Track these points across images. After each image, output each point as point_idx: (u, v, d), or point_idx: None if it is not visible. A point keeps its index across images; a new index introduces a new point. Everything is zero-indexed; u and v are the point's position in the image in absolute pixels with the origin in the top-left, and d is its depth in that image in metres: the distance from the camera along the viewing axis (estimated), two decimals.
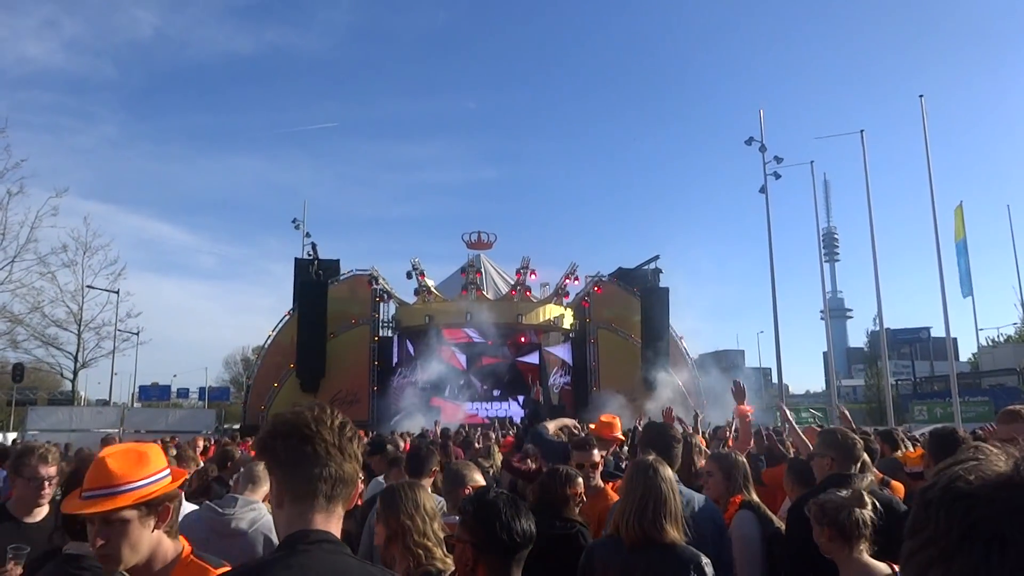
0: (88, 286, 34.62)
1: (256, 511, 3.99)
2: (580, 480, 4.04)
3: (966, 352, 52.56)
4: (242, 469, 4.51)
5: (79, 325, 34.62)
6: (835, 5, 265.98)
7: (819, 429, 7.11)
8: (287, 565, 1.47)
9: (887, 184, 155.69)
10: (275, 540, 4.08)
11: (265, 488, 4.08)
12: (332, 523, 1.61)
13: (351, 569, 1.55)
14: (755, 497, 4.31)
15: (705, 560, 3.05)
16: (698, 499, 3.92)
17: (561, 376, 33.39)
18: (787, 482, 4.93)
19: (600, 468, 4.79)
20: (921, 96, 25.89)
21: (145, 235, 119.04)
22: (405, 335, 32.24)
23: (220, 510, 3.94)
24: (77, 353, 34.82)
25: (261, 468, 4.05)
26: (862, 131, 27.53)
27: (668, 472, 3.25)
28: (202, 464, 7.48)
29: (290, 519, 1.59)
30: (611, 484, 5.29)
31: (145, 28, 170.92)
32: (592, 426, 6.77)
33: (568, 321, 33.29)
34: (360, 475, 1.68)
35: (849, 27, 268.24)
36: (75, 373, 35.33)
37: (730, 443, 8.09)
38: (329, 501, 1.60)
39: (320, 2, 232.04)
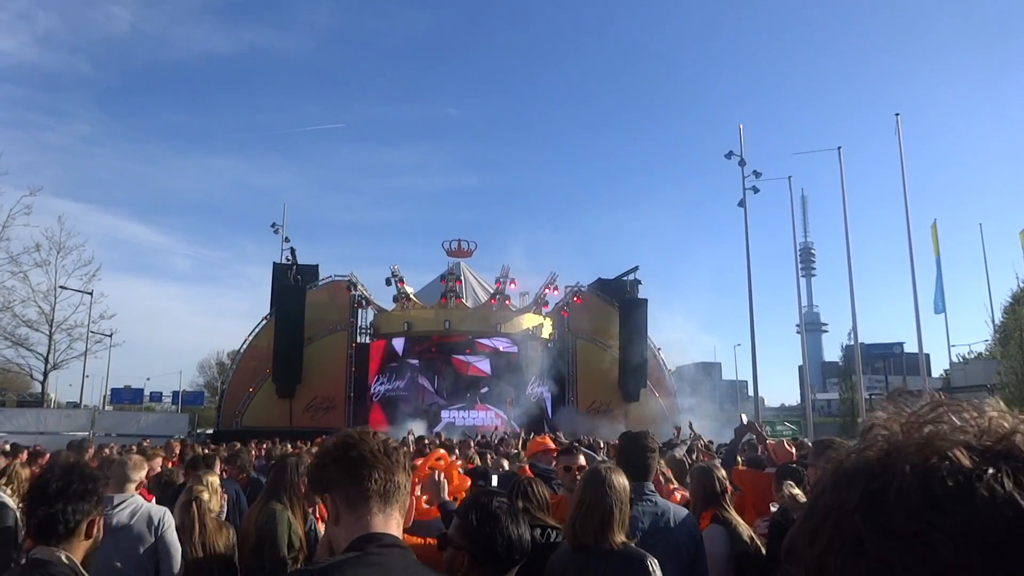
0: (61, 286, 34.12)
1: (133, 504, 4.39)
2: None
3: (938, 368, 53.29)
4: (114, 467, 4.77)
5: (51, 326, 34.03)
6: (814, 23, 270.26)
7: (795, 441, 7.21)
8: (368, 564, 1.49)
9: (863, 200, 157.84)
10: (155, 522, 4.31)
11: (134, 484, 4.57)
12: (392, 527, 1.63)
13: (423, 574, 1.62)
14: (731, 512, 4.30)
15: (652, 559, 3.08)
16: (674, 510, 3.93)
17: (539, 385, 33.42)
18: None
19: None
20: (897, 114, 26.39)
21: (119, 235, 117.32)
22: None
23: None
24: (48, 354, 34.21)
25: (131, 466, 4.56)
26: (839, 148, 28.00)
27: (619, 479, 3.24)
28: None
29: (349, 527, 1.61)
30: None
31: (121, 24, 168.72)
32: (529, 446, 7.31)
33: (547, 331, 33.32)
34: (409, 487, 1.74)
35: (828, 45, 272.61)
36: (45, 375, 34.69)
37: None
38: (385, 504, 1.63)
39: (300, 3, 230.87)
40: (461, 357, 31.17)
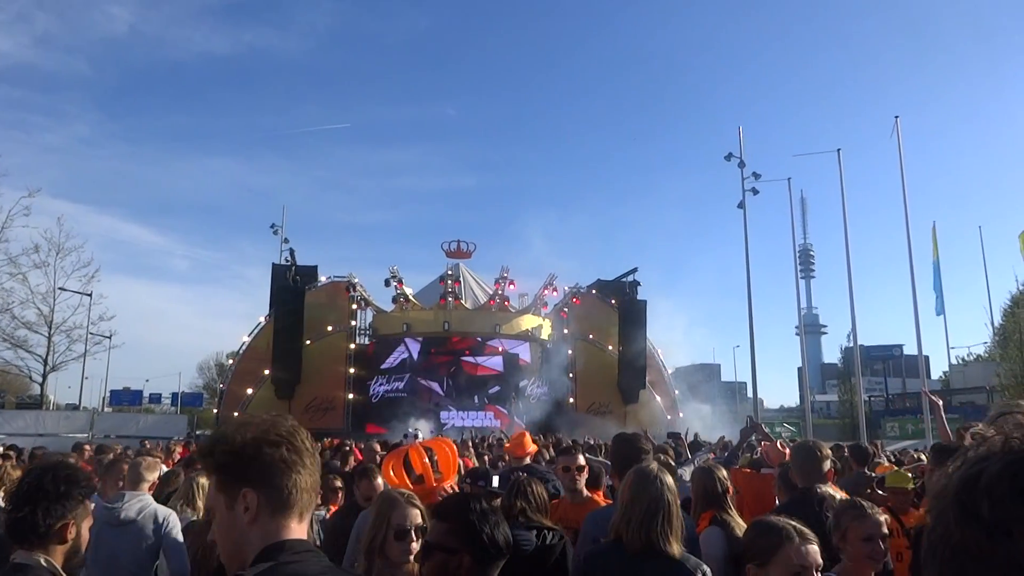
0: (60, 288, 34.05)
1: (143, 502, 4.57)
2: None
3: (938, 370, 53.43)
4: (128, 467, 4.97)
5: (50, 327, 33.94)
6: (814, 26, 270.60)
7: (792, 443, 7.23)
8: (285, 574, 1.42)
9: (863, 202, 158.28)
10: (160, 521, 4.42)
11: (147, 483, 4.77)
12: (304, 532, 1.56)
13: None
14: (731, 513, 4.28)
15: (707, 569, 3.08)
16: None
17: (538, 387, 33.43)
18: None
19: (585, 472, 4.80)
20: (897, 117, 26.39)
21: (118, 236, 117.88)
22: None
23: (110, 505, 4.47)
24: (47, 356, 34.12)
25: (144, 466, 4.75)
26: (839, 150, 27.98)
27: (671, 481, 3.25)
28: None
29: (266, 532, 1.49)
30: (597, 491, 5.26)
31: (120, 25, 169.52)
32: (507, 444, 7.26)
33: (546, 332, 33.33)
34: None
35: (827, 47, 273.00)
36: (44, 376, 34.62)
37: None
38: (308, 510, 1.57)
39: (299, 4, 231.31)
40: (469, 359, 31.19)
